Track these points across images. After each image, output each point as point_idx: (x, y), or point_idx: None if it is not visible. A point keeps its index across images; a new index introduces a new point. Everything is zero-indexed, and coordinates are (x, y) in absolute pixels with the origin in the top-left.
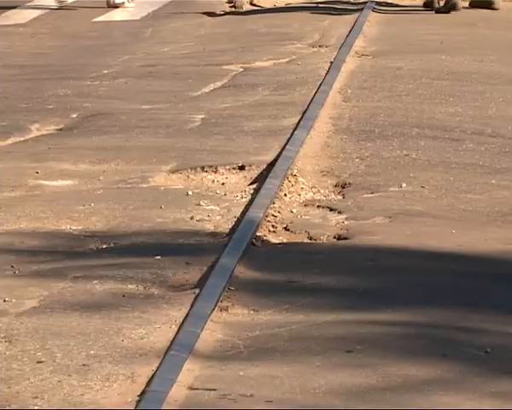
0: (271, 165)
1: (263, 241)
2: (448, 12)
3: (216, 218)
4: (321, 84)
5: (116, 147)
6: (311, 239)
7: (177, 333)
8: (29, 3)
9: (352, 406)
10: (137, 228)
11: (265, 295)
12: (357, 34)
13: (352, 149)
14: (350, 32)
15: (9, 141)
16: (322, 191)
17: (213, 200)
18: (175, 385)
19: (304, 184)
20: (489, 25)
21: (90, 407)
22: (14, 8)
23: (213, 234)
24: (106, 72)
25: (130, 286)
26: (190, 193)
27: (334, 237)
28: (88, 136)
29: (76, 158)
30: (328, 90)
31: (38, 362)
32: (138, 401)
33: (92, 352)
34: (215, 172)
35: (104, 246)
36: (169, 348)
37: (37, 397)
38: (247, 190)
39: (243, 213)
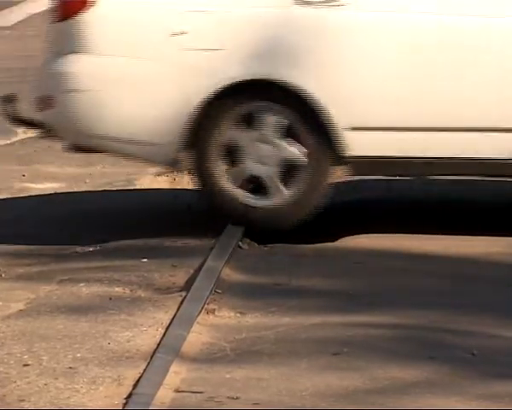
0: None
1: (249, 243)
2: None
3: (202, 220)
4: None
5: None
6: (297, 242)
7: (163, 336)
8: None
9: (339, 408)
10: (124, 231)
11: (252, 297)
12: None
13: None
14: None
15: None
16: None
17: (200, 203)
18: (161, 388)
19: None
20: None
21: None
22: None
23: (200, 237)
24: None
25: (116, 289)
26: (177, 195)
27: (321, 240)
28: None
29: (62, 161)
30: None
31: (25, 365)
32: (125, 404)
33: (79, 355)
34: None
35: (90, 249)
36: (155, 350)
37: (23, 400)
38: None
39: None
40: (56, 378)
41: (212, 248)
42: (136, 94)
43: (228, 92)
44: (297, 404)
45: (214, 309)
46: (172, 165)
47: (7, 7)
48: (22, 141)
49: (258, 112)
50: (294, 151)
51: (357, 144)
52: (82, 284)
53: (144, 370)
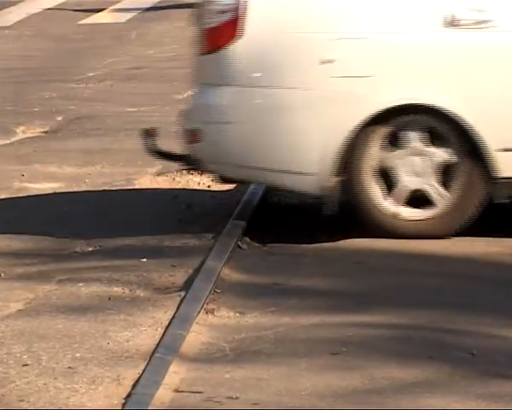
0: None
1: (248, 243)
2: None
3: (202, 220)
4: None
5: (101, 149)
6: (296, 242)
7: (162, 336)
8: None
9: (338, 408)
10: (123, 231)
11: (251, 297)
12: None
13: None
14: None
15: None
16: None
17: (199, 202)
18: (161, 388)
19: None
20: None
21: None
22: None
23: (199, 236)
24: (91, 74)
25: (115, 289)
26: (176, 195)
27: (320, 240)
28: (73, 138)
29: (61, 161)
30: None
31: (24, 365)
32: (124, 404)
33: (78, 355)
34: (201, 174)
35: (89, 249)
36: (155, 350)
37: (22, 400)
38: (232, 192)
39: (229, 215)
40: (56, 378)
41: (211, 248)
42: (286, 124)
43: (379, 118)
44: (296, 404)
45: (213, 309)
46: (325, 194)
47: (6, 7)
48: (21, 141)
49: (406, 130)
50: (444, 155)
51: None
52: (81, 284)
53: (143, 370)
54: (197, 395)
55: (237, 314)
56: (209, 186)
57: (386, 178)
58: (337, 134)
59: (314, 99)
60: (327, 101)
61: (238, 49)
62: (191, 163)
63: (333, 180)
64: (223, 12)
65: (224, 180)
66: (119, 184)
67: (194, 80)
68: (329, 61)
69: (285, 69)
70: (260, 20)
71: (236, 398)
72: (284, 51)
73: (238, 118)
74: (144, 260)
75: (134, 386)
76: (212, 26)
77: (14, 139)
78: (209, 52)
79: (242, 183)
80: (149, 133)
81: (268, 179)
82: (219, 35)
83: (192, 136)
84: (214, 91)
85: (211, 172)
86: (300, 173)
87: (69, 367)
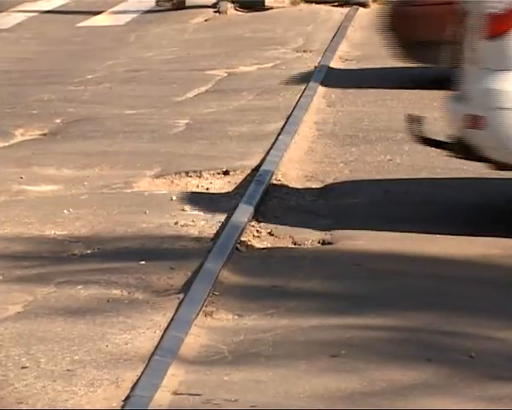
0: (256, 170)
1: (247, 246)
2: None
3: (200, 223)
4: (305, 89)
5: (100, 152)
6: (295, 244)
7: (161, 338)
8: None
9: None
10: (122, 233)
11: (250, 299)
12: (341, 39)
13: (336, 154)
14: (334, 36)
15: None
16: (306, 196)
17: (198, 205)
18: (159, 390)
19: (288, 188)
20: None
21: None
22: None
23: (198, 239)
24: (90, 77)
25: (114, 291)
26: (174, 198)
27: (319, 242)
28: (72, 141)
29: (60, 163)
30: (312, 95)
31: (23, 367)
32: (123, 406)
33: (77, 357)
34: (199, 177)
35: (88, 251)
36: (153, 353)
37: (21, 403)
38: (231, 195)
39: (228, 218)
40: (54, 381)
41: (209, 251)
42: None
43: None
44: (295, 406)
45: (212, 311)
46: None
47: (5, 9)
48: (20, 143)
49: None
50: None
51: None
52: (80, 287)
53: (142, 372)
54: (196, 397)
55: (236, 317)
56: (207, 189)
57: None
58: None
59: None
60: None
61: None
62: (462, 150)
63: None
64: None
65: (502, 167)
66: (117, 186)
67: (470, 65)
68: None
69: None
70: None
71: (235, 400)
72: None
73: None
74: (143, 262)
75: (133, 389)
76: (497, 11)
77: (12, 142)
78: (492, 37)
79: None
80: (415, 120)
81: None
82: (506, 20)
83: (472, 122)
84: (499, 77)
85: (488, 159)
86: None
87: (68, 370)
